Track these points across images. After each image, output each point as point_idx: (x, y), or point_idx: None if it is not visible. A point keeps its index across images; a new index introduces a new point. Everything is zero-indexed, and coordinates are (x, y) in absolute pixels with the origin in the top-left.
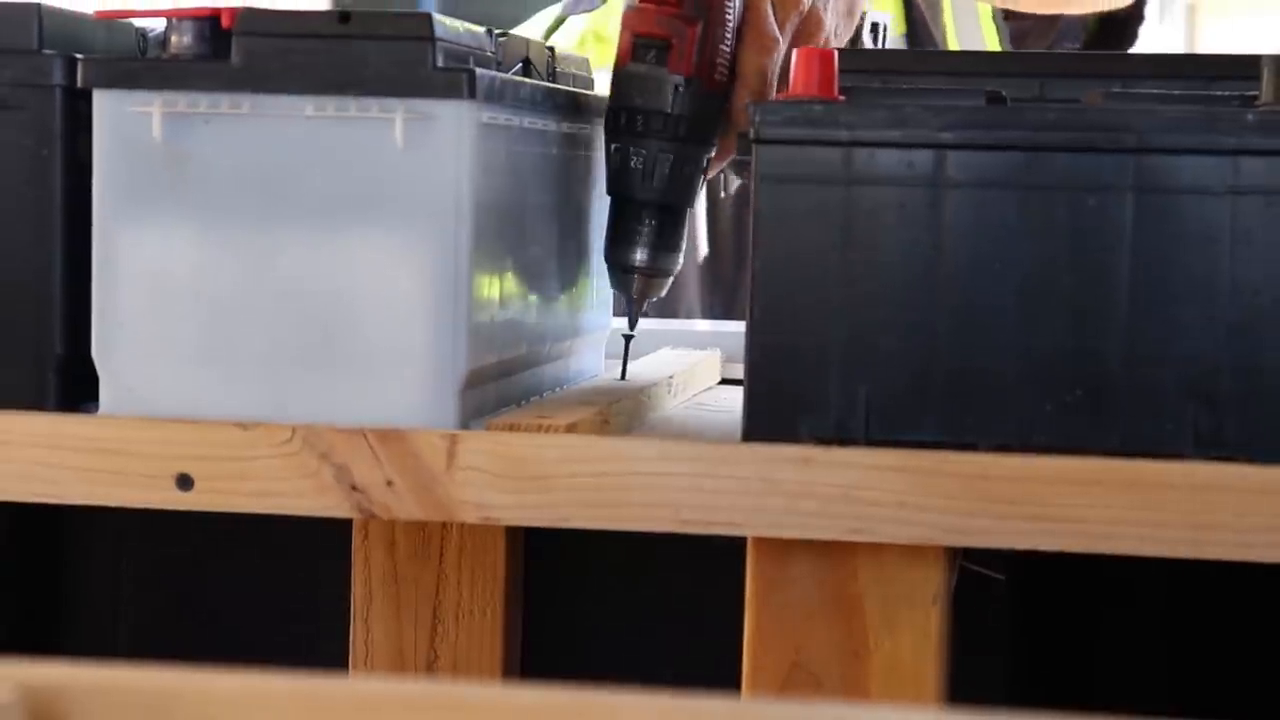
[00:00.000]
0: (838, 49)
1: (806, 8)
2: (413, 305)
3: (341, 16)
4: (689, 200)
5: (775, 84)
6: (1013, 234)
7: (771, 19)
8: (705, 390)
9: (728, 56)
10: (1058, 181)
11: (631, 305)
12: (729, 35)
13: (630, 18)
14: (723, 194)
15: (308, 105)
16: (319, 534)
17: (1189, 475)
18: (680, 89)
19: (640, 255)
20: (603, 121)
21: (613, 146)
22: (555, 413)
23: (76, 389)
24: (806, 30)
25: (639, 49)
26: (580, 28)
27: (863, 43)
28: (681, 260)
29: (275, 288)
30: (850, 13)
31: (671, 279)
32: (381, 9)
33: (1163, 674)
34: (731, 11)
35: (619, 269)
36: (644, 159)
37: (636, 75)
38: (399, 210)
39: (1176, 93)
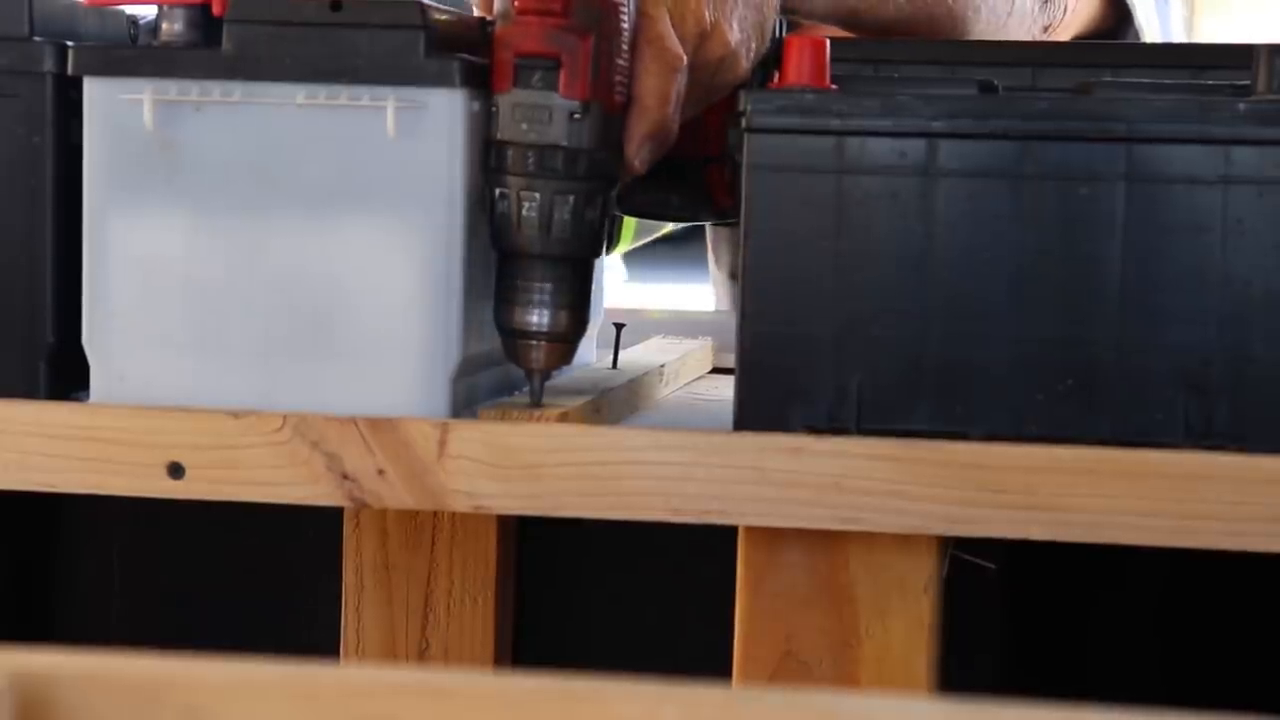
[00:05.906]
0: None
1: (709, 25)
2: (404, 294)
3: (333, 5)
4: (597, 249)
5: (679, 110)
6: (1004, 223)
7: (673, 36)
8: (697, 379)
9: (626, 73)
10: (1049, 171)
11: (531, 379)
12: (625, 48)
13: (508, 35)
14: None
15: (299, 93)
16: (310, 523)
17: (1180, 464)
18: (577, 116)
19: (540, 319)
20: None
21: (498, 191)
22: (547, 402)
23: (68, 378)
24: (709, 50)
25: (523, 72)
26: None
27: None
28: (590, 320)
29: (266, 276)
30: (761, 26)
31: (579, 344)
32: None
33: (1155, 663)
34: (626, 17)
35: (514, 336)
36: (539, 205)
37: (523, 104)
38: (390, 199)
39: (1168, 82)
